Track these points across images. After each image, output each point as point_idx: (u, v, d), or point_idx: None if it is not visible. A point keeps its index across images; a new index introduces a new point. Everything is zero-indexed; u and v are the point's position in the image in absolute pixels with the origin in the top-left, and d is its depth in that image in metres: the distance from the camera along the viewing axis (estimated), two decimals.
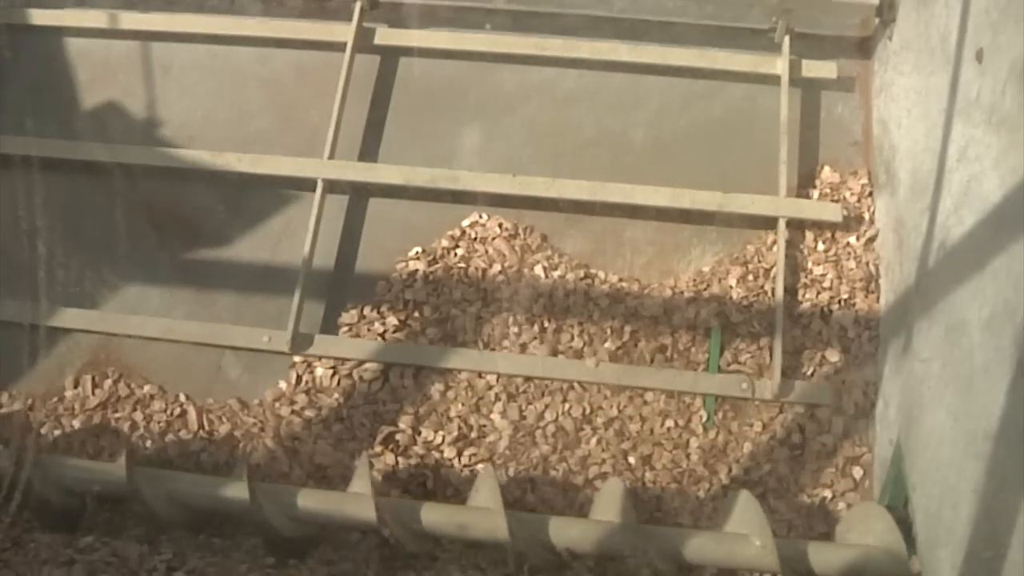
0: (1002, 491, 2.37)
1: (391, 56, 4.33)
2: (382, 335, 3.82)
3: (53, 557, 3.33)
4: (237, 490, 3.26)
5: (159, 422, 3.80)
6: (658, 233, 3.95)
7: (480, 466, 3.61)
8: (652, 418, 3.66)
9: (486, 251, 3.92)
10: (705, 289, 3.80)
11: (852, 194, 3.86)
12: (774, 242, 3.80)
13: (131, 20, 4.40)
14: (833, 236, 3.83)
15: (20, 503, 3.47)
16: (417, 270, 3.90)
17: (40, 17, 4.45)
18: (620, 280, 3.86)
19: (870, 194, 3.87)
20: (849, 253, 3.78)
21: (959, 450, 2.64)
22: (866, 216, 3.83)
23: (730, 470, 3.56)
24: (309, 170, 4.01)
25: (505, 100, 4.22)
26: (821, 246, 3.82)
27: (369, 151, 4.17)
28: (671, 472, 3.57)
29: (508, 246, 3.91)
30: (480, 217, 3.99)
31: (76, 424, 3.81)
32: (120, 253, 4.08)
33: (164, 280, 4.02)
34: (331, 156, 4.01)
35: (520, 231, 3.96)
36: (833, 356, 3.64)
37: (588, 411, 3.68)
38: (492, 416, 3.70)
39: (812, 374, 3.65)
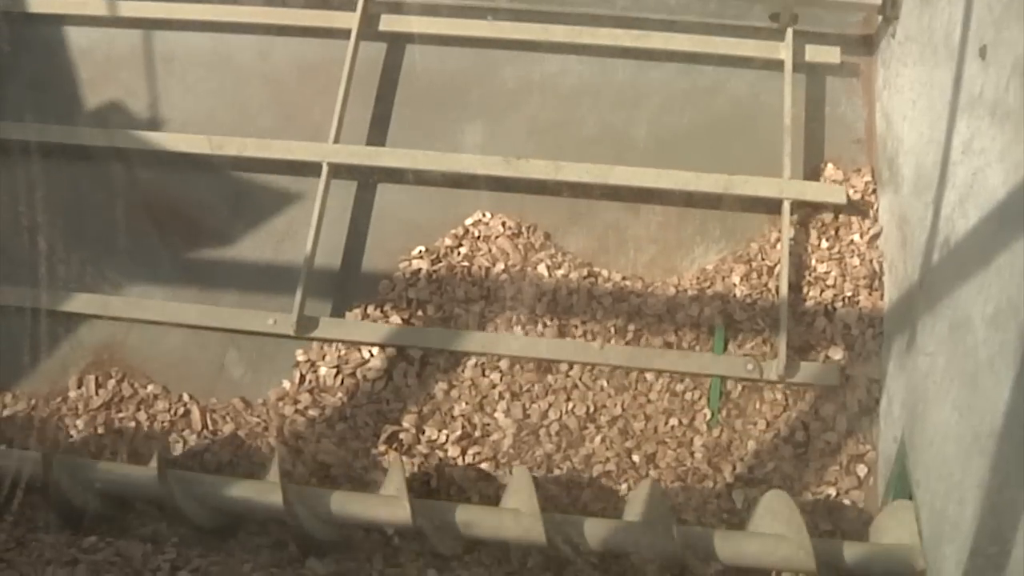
0: (1007, 487, 2.36)
1: (396, 44, 4.35)
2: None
3: (57, 557, 3.33)
4: (270, 493, 3.24)
5: (163, 422, 3.80)
6: (661, 231, 3.95)
7: (484, 464, 3.62)
8: (656, 416, 3.66)
9: (489, 250, 3.92)
10: (709, 287, 3.80)
11: (856, 191, 3.86)
12: (777, 239, 3.80)
13: (131, 8, 4.41)
14: (836, 234, 3.83)
15: (45, 505, 3.51)
16: (420, 269, 3.90)
17: (39, 4, 4.45)
18: (623, 278, 3.86)
19: (874, 191, 3.87)
20: (853, 250, 3.78)
21: (964, 446, 2.63)
22: (870, 213, 3.83)
23: (734, 468, 3.56)
24: (314, 154, 4.01)
25: (508, 97, 4.22)
26: (825, 244, 3.82)
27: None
28: (675, 470, 3.56)
29: (511, 244, 3.91)
30: (483, 216, 3.99)
31: (80, 424, 3.81)
32: (123, 251, 4.08)
33: (167, 278, 4.02)
34: (336, 139, 4.02)
35: (523, 229, 3.96)
36: (837, 354, 3.64)
37: (592, 409, 3.68)
38: (496, 415, 3.70)
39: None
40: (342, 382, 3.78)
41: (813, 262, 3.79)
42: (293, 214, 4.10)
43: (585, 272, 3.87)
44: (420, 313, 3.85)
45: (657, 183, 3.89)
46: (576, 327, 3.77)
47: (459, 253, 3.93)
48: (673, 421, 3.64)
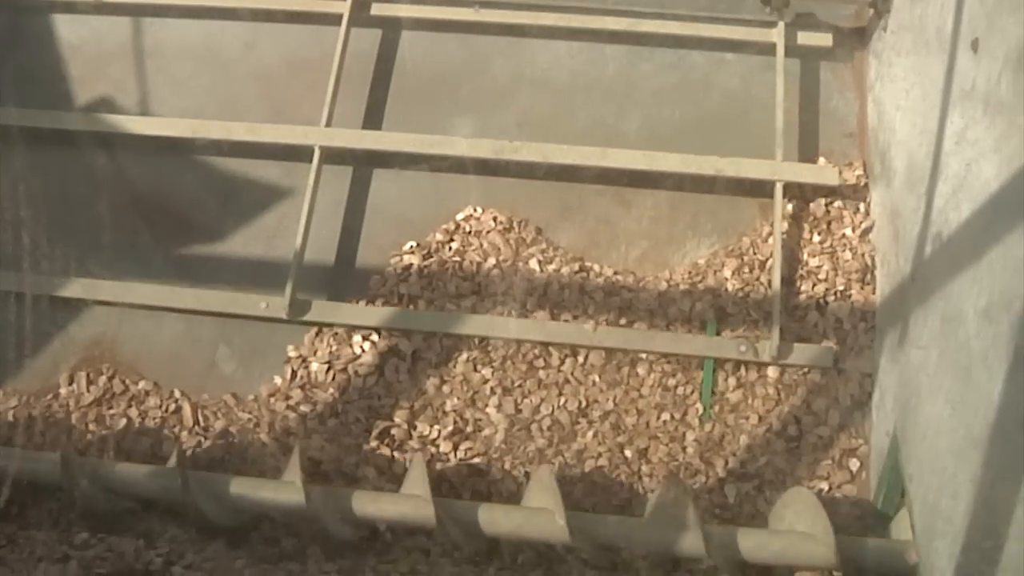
0: (1001, 480, 2.36)
1: (388, 29, 4.35)
2: (376, 329, 3.81)
3: (48, 554, 3.32)
4: (292, 493, 3.21)
5: (154, 418, 3.79)
6: (653, 225, 3.95)
7: (476, 460, 3.61)
8: (648, 411, 3.65)
9: (480, 245, 3.91)
10: (700, 281, 3.80)
11: (848, 185, 3.86)
12: (769, 234, 3.80)
13: None
14: (828, 228, 3.83)
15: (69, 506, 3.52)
16: (411, 264, 3.89)
17: None
18: (615, 273, 3.86)
19: (865, 185, 3.87)
20: (845, 245, 3.78)
21: (957, 440, 2.63)
22: (862, 207, 3.83)
23: (726, 463, 3.55)
24: (306, 137, 4.01)
25: (499, 93, 4.21)
26: (816, 237, 3.82)
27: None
28: (667, 465, 3.56)
29: (503, 239, 3.91)
30: (474, 211, 3.98)
31: (72, 421, 3.80)
32: (112, 248, 4.06)
33: (157, 272, 4.01)
34: (328, 122, 4.03)
35: (515, 224, 3.95)
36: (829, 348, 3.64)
37: (584, 404, 3.67)
38: (488, 410, 3.70)
39: (808, 369, 3.64)
40: (333, 378, 3.77)
41: (805, 256, 3.79)
42: (285, 209, 4.09)
43: (577, 267, 3.87)
44: (411, 308, 3.84)
45: (649, 166, 3.88)
46: (568, 322, 3.76)
47: (450, 248, 3.93)
48: (665, 416, 3.64)
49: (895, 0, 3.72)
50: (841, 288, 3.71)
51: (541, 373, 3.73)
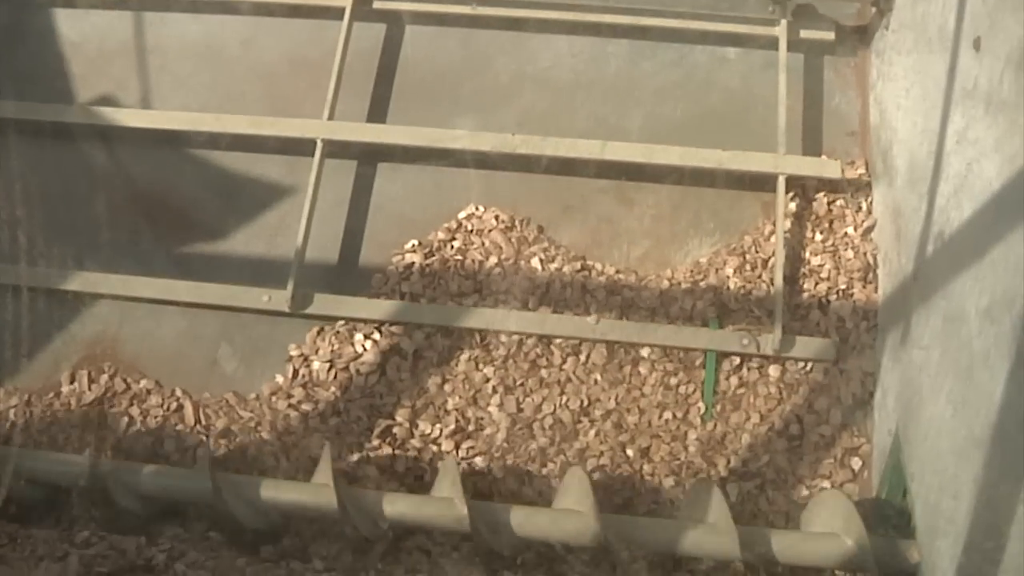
0: (1003, 481, 2.36)
1: (391, 24, 4.34)
2: (379, 328, 3.81)
3: (50, 552, 3.32)
4: (324, 496, 3.19)
5: (156, 417, 3.79)
6: (655, 224, 3.94)
7: (478, 459, 3.61)
8: (650, 410, 3.65)
9: (482, 243, 3.91)
10: (702, 280, 3.79)
11: (850, 184, 3.85)
12: (771, 232, 3.79)
13: None
14: (830, 226, 3.83)
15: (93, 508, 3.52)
16: (413, 263, 3.89)
17: None
18: (617, 272, 3.86)
19: (868, 184, 3.86)
20: (847, 243, 3.77)
21: (959, 440, 2.63)
22: (864, 206, 3.83)
23: (728, 462, 3.55)
24: (309, 131, 4.01)
25: (500, 91, 4.21)
26: (819, 236, 3.81)
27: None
28: (669, 464, 3.56)
29: (504, 238, 3.90)
30: (476, 209, 3.98)
31: (73, 419, 3.80)
32: (112, 245, 4.07)
33: (159, 273, 3.99)
34: (331, 115, 4.03)
35: (517, 223, 3.95)
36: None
37: (586, 403, 3.67)
38: (489, 409, 3.69)
39: (810, 367, 3.63)
40: (335, 376, 3.77)
41: (807, 255, 3.79)
42: (287, 207, 4.08)
43: (579, 266, 3.86)
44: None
45: (651, 159, 3.88)
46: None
47: (452, 247, 3.92)
48: (667, 415, 3.64)
49: None
50: (843, 287, 3.71)
51: (543, 372, 3.73)
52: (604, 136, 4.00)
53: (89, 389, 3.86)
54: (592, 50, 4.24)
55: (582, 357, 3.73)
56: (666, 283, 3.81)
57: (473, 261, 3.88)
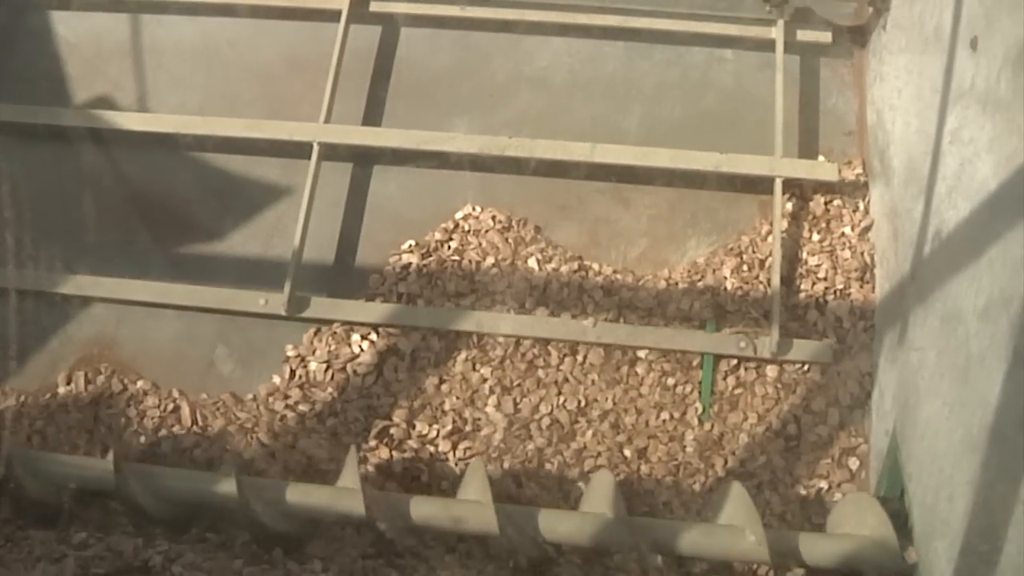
0: (999, 483, 2.35)
1: (387, 26, 4.33)
2: (376, 328, 3.80)
3: (47, 553, 3.31)
4: (353, 501, 3.17)
5: (152, 418, 3.79)
6: (652, 224, 3.94)
7: (475, 459, 3.61)
8: (647, 410, 3.65)
9: (479, 244, 3.91)
10: (700, 280, 3.79)
11: (847, 184, 3.85)
12: (769, 232, 3.79)
13: None
14: (828, 226, 3.83)
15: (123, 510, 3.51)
16: (410, 263, 3.89)
17: None
18: (614, 272, 3.85)
19: (865, 184, 3.86)
20: (844, 243, 3.77)
21: (955, 440, 2.63)
22: (861, 206, 3.82)
23: (726, 462, 3.55)
24: (305, 134, 4.00)
25: (497, 92, 4.21)
26: (816, 236, 3.81)
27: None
28: (666, 465, 3.56)
29: (502, 238, 3.90)
30: (473, 209, 3.98)
31: (70, 420, 3.80)
32: (108, 247, 4.07)
33: (155, 275, 3.99)
34: (327, 119, 4.03)
35: (514, 223, 3.94)
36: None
37: (583, 404, 3.67)
38: (487, 409, 3.69)
39: (807, 368, 3.63)
40: (332, 377, 3.77)
41: (804, 255, 3.79)
42: (283, 208, 4.08)
43: (576, 266, 3.86)
44: (410, 307, 3.83)
45: (647, 162, 3.88)
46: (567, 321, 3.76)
47: (449, 247, 3.92)
48: (664, 415, 3.63)
49: None
50: (840, 287, 3.70)
51: (540, 372, 3.73)
52: (601, 136, 4.00)
53: (86, 390, 3.85)
54: (589, 50, 4.23)
55: (579, 358, 3.73)
56: (663, 283, 3.81)
57: (470, 261, 3.87)
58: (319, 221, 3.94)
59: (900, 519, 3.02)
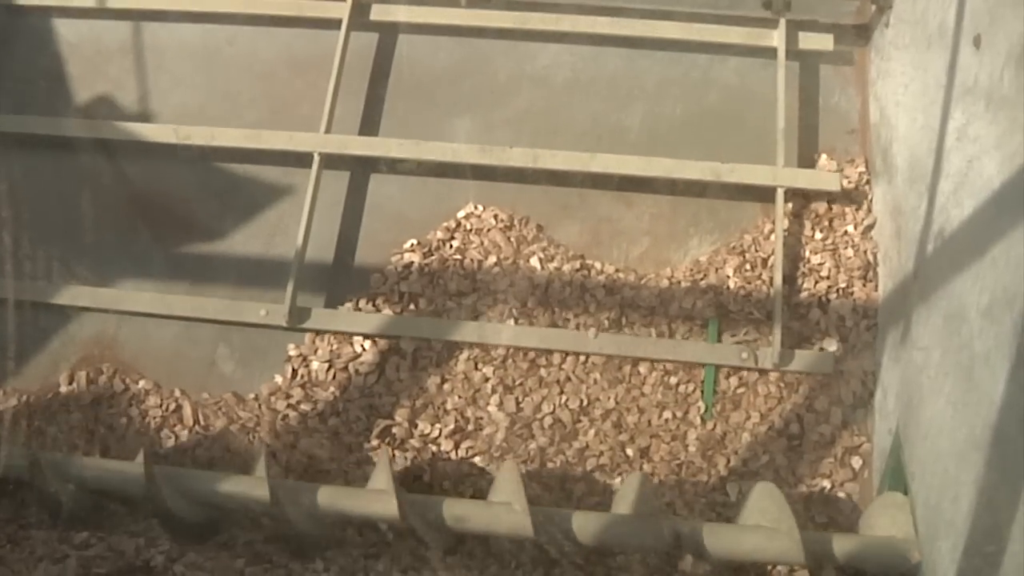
0: (1004, 483, 2.34)
1: (386, 35, 4.32)
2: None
3: (49, 553, 3.33)
4: (386, 504, 3.16)
5: (154, 417, 3.79)
6: (654, 223, 3.93)
7: (477, 458, 3.60)
8: (650, 409, 3.64)
9: (481, 243, 3.90)
10: (702, 279, 3.78)
11: (849, 182, 3.84)
12: (771, 231, 3.78)
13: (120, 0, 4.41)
14: (830, 225, 3.82)
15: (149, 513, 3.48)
16: (412, 262, 3.88)
17: None
18: (617, 271, 3.85)
19: (867, 182, 3.85)
20: (847, 242, 3.76)
21: (959, 440, 2.62)
22: (864, 204, 3.81)
23: (728, 461, 3.54)
24: (306, 144, 3.99)
25: (499, 90, 4.20)
26: (819, 235, 3.80)
27: None
28: (669, 464, 3.55)
29: (503, 237, 3.89)
30: (475, 208, 3.97)
31: (72, 420, 3.79)
32: (113, 246, 4.06)
33: (159, 272, 4.01)
34: (328, 129, 4.01)
35: (516, 222, 3.93)
36: (831, 345, 3.62)
37: (585, 403, 3.66)
38: (489, 408, 3.69)
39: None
40: (334, 376, 3.77)
41: (807, 253, 3.78)
42: (284, 208, 4.08)
43: (578, 265, 3.85)
44: (412, 307, 3.83)
45: (648, 171, 3.87)
46: (569, 320, 3.75)
47: (451, 246, 3.91)
48: (667, 414, 3.63)
49: None
50: (843, 285, 3.69)
51: (542, 371, 3.72)
52: (604, 134, 4.01)
53: (88, 390, 3.85)
54: (591, 48, 4.22)
55: (581, 357, 3.72)
56: (666, 282, 3.80)
57: (472, 260, 3.87)
58: (321, 220, 3.94)
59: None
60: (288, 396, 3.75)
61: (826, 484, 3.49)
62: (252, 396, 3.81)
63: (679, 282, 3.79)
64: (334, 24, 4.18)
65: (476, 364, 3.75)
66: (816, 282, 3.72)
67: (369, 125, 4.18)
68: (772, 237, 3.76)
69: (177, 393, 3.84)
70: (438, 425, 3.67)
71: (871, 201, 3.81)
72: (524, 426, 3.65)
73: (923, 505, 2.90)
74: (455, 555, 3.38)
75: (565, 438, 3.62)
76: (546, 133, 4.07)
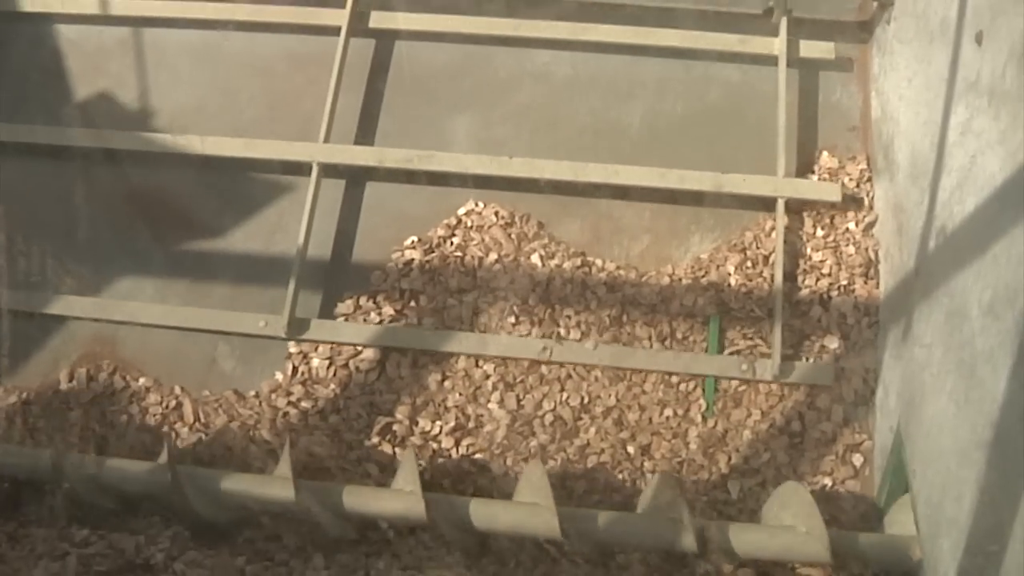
0: (1005, 481, 2.34)
1: (385, 40, 4.30)
2: (378, 325, 3.79)
3: (49, 551, 3.32)
4: (412, 504, 3.16)
5: (155, 415, 3.78)
6: (655, 220, 3.93)
7: (479, 456, 3.60)
8: (651, 407, 3.64)
9: (482, 239, 3.89)
10: (703, 276, 3.78)
11: (851, 179, 3.83)
12: (772, 228, 3.78)
13: (122, 6, 4.38)
14: (832, 222, 3.81)
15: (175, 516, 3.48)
16: (413, 259, 3.88)
17: (30, 4, 4.42)
18: (617, 268, 3.84)
19: (869, 179, 3.84)
20: (848, 239, 3.75)
21: (961, 438, 2.61)
22: (865, 201, 3.81)
23: (729, 459, 3.54)
24: (304, 153, 3.98)
25: (500, 87, 4.19)
26: (820, 232, 3.79)
27: (363, 139, 4.14)
28: (670, 461, 3.54)
29: (504, 234, 3.89)
30: (476, 205, 3.96)
31: (71, 418, 3.79)
32: (113, 245, 4.06)
33: (158, 271, 4.00)
34: (327, 138, 3.99)
35: (516, 219, 3.93)
36: (832, 343, 3.61)
37: (586, 400, 3.66)
38: (490, 405, 3.68)
39: (812, 361, 3.62)
40: (335, 374, 3.76)
41: (808, 251, 3.77)
42: (285, 204, 4.07)
43: (579, 262, 3.85)
44: (413, 304, 3.82)
45: (646, 182, 3.86)
46: (570, 317, 3.74)
47: (452, 243, 3.91)
48: (668, 412, 3.62)
49: None
50: (844, 283, 3.69)
51: (543, 369, 3.72)
52: (603, 131, 4.01)
53: (88, 387, 3.85)
54: (591, 45, 4.21)
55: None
56: (667, 279, 3.79)
57: (473, 257, 3.86)
58: (321, 216, 3.94)
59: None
60: (289, 393, 3.75)
61: (827, 482, 3.48)
62: (253, 393, 3.80)
63: (680, 279, 3.79)
64: (333, 31, 4.17)
65: (477, 361, 3.74)
66: (817, 279, 3.71)
67: (368, 121, 4.17)
68: (773, 234, 3.75)
69: (177, 391, 3.83)
70: (439, 422, 3.66)
71: (872, 198, 3.80)
72: (525, 423, 3.64)
73: (925, 503, 2.89)
74: (479, 559, 3.37)
75: (566, 436, 3.62)
76: (546, 129, 4.06)
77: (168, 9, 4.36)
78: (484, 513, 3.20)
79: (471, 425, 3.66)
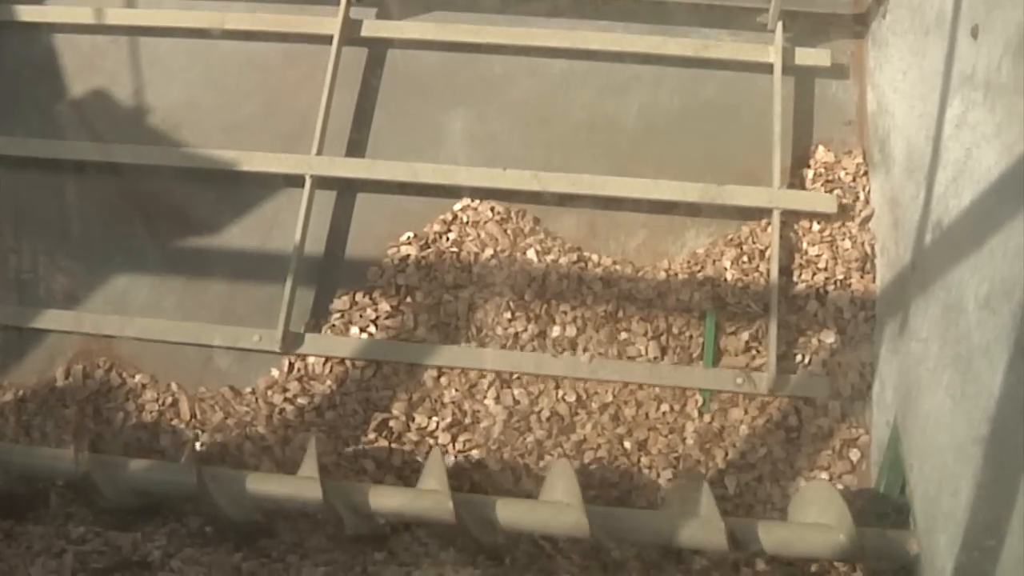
0: (1003, 476, 2.34)
1: (378, 47, 4.29)
2: (374, 321, 3.79)
3: (46, 548, 3.31)
4: (439, 502, 3.14)
5: (151, 412, 3.78)
6: (652, 215, 3.92)
7: (475, 452, 3.60)
8: (647, 403, 3.63)
9: (478, 235, 3.89)
10: (699, 271, 3.77)
11: (847, 174, 3.83)
12: (768, 224, 3.77)
13: (117, 16, 4.38)
14: (828, 216, 3.80)
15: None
16: (409, 255, 3.87)
17: (26, 14, 4.42)
18: (613, 263, 3.83)
19: (865, 173, 3.84)
20: (844, 233, 3.75)
21: (958, 433, 2.61)
22: (861, 196, 3.80)
23: (726, 454, 3.54)
24: (298, 166, 3.97)
25: (494, 85, 4.19)
26: (816, 227, 3.79)
27: (357, 141, 4.14)
28: (667, 457, 3.54)
29: (500, 230, 3.88)
30: (472, 201, 3.95)
31: (68, 415, 3.78)
32: (108, 244, 4.05)
33: (153, 271, 4.00)
34: (319, 150, 3.98)
35: (512, 215, 3.92)
36: (829, 337, 3.61)
37: (583, 396, 3.66)
38: (486, 402, 3.68)
39: (808, 359, 3.61)
40: (331, 370, 3.76)
41: (804, 245, 3.77)
42: (281, 202, 4.06)
43: (575, 257, 3.84)
44: (409, 300, 3.82)
45: (641, 193, 3.86)
46: (565, 313, 3.74)
47: (448, 239, 3.90)
48: (664, 407, 3.62)
49: None
50: (841, 277, 3.68)
51: None
52: (600, 129, 4.01)
53: (85, 384, 3.84)
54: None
55: (579, 350, 3.71)
56: (663, 274, 3.79)
57: (469, 253, 3.86)
58: (317, 212, 3.93)
59: (902, 512, 3.01)
60: (285, 390, 3.74)
61: (824, 477, 3.48)
62: (249, 390, 3.80)
63: (676, 274, 3.78)
64: (325, 40, 4.16)
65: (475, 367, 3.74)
66: (814, 274, 3.71)
67: (363, 117, 4.16)
68: (769, 229, 3.75)
69: (174, 387, 3.83)
70: (435, 418, 3.66)
71: (868, 193, 3.80)
72: (522, 419, 3.64)
73: (922, 498, 2.89)
74: (448, 551, 3.36)
75: (563, 431, 3.62)
76: (541, 125, 4.05)
77: (160, 19, 4.36)
78: (511, 513, 3.18)
79: (468, 421, 3.66)
